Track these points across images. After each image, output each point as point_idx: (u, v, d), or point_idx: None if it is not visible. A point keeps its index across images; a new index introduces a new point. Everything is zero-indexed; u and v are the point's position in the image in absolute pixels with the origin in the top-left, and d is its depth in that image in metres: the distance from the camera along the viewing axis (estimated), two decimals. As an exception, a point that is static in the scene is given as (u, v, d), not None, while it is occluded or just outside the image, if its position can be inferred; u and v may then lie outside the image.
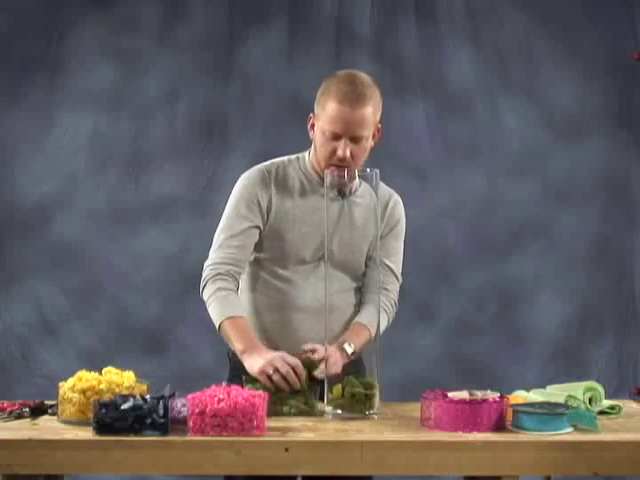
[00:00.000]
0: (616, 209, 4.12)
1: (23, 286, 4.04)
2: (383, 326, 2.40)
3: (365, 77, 2.35)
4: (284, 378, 2.17)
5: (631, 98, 4.11)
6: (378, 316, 2.28)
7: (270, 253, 2.43)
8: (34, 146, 4.05)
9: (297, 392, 2.17)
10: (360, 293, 2.49)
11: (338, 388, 2.12)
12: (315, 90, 2.39)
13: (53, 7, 4.04)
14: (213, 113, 4.08)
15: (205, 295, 2.39)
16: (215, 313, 2.35)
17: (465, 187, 4.10)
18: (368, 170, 2.26)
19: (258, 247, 2.43)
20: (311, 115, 2.40)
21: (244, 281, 2.48)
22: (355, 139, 2.31)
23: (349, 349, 2.30)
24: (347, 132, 2.30)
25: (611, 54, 4.10)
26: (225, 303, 2.34)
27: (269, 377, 2.17)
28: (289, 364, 2.18)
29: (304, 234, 2.41)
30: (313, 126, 2.39)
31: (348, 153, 2.31)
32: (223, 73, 4.09)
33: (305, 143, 2.52)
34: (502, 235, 4.10)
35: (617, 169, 4.12)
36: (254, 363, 2.21)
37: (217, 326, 2.33)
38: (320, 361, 2.22)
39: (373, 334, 2.35)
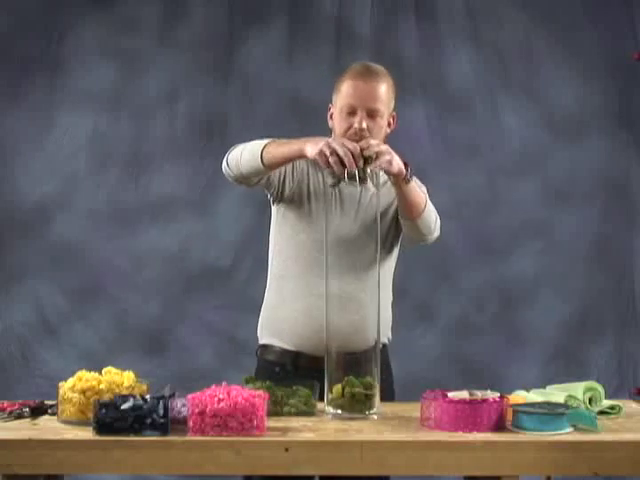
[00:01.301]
0: (616, 209, 4.12)
1: (23, 286, 4.04)
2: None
3: (379, 66, 2.44)
4: (341, 162, 2.11)
5: (631, 98, 4.10)
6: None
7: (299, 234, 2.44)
8: (34, 146, 4.05)
9: (295, 393, 2.16)
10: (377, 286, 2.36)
11: (338, 388, 2.12)
12: (315, 90, 2.40)
13: (53, 7, 4.04)
14: (213, 113, 4.08)
15: (232, 154, 2.33)
16: (253, 149, 2.27)
17: (465, 187, 4.10)
18: (369, 170, 2.25)
19: (289, 230, 2.45)
20: (330, 106, 2.46)
21: (274, 268, 2.49)
22: (371, 112, 2.36)
23: (408, 171, 2.25)
24: (362, 104, 2.35)
25: (611, 54, 4.10)
26: (258, 142, 2.29)
27: (327, 159, 2.12)
28: (347, 148, 2.12)
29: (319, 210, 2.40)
30: (332, 116, 2.45)
31: (364, 124, 2.35)
32: (223, 73, 4.09)
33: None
34: (502, 235, 4.10)
35: (617, 169, 4.12)
36: (314, 146, 2.14)
37: (260, 156, 2.25)
38: (375, 158, 2.15)
39: (426, 205, 2.43)
